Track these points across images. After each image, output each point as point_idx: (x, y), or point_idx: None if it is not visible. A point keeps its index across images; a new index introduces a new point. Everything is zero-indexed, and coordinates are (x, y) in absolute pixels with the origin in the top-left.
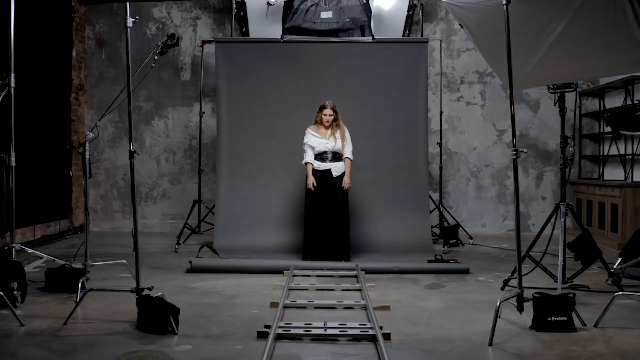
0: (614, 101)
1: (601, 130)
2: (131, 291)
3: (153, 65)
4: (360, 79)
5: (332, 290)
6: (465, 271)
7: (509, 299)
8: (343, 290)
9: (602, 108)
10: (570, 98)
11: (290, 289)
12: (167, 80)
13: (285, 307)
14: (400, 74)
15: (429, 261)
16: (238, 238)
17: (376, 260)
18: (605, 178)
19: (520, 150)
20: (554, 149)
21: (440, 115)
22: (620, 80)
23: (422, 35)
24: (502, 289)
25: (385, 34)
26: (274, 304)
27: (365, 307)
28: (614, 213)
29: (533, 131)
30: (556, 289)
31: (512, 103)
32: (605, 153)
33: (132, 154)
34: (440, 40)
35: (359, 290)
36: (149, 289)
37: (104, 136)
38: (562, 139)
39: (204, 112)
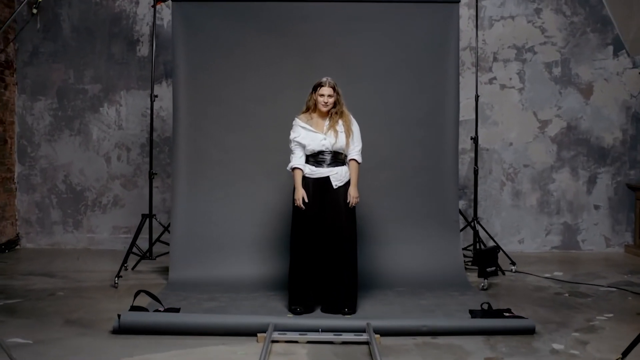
0: None
1: None
2: None
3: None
4: (368, 52)
5: None
6: (530, 331)
7: None
8: None
9: None
10: (629, 77)
11: None
12: (119, 57)
13: None
14: (421, 46)
15: (472, 312)
16: (201, 268)
17: (391, 303)
18: None
19: None
20: (611, 144)
21: (476, 100)
22: None
23: None
24: None
25: None
26: None
27: None
28: None
29: (584, 122)
30: None
31: None
32: None
33: None
34: (477, 1)
35: None
36: None
37: (39, 127)
38: None
39: (156, 96)
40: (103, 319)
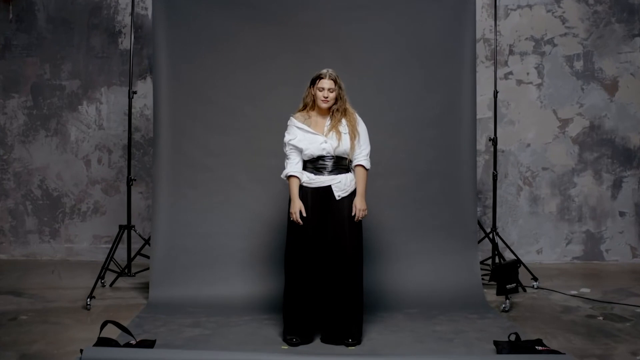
0: None
1: None
2: None
3: None
4: (373, 44)
5: None
6: None
7: None
8: None
9: None
10: None
11: None
12: (99, 50)
13: None
14: (433, 37)
15: (497, 345)
16: (185, 286)
17: (402, 329)
18: None
19: None
20: (638, 145)
21: (495, 97)
22: None
23: None
24: None
25: None
26: None
27: None
28: None
29: (609, 121)
30: None
31: None
32: None
33: None
34: None
35: None
36: None
37: (12, 128)
38: None
39: (135, 92)
40: (66, 352)
